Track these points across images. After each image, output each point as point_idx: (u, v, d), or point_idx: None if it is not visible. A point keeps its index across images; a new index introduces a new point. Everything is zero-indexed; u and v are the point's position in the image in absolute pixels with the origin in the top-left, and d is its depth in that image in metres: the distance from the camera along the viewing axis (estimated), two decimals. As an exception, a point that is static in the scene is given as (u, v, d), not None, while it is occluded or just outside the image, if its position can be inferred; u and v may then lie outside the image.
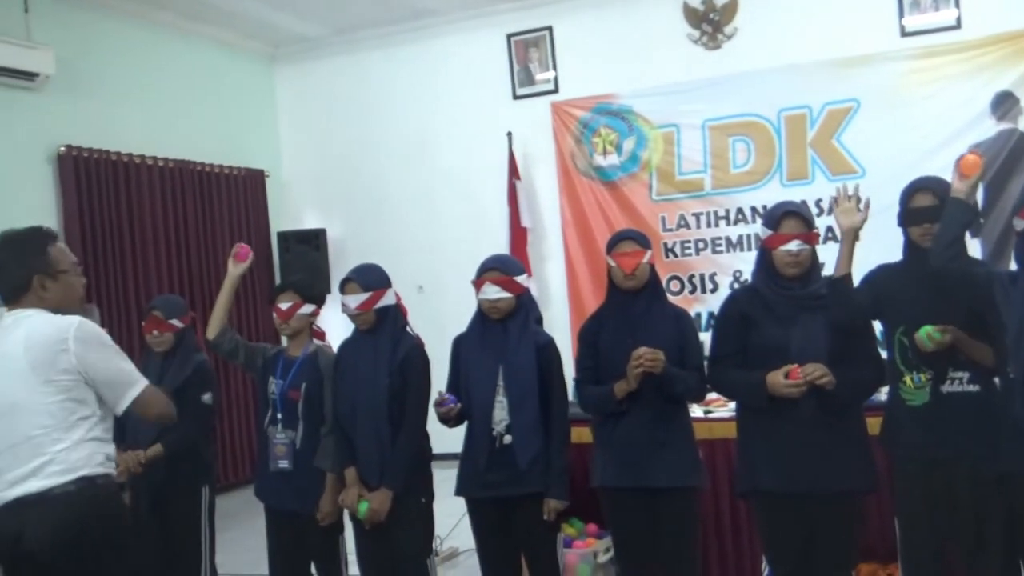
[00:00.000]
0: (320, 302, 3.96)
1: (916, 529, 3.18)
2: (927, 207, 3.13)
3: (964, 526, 3.09)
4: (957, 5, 7.01)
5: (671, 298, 7.39)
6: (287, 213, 8.98)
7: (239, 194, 8.42)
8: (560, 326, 7.35)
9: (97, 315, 3.07)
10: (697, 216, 7.60)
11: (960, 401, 3.08)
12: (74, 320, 2.78)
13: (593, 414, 3.61)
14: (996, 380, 3.13)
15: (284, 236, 8.63)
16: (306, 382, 3.80)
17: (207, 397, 4.03)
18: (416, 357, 3.63)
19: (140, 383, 2.84)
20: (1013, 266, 3.14)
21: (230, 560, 4.86)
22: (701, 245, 7.58)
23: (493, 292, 3.52)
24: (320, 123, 8.93)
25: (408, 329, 3.73)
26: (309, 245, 8.53)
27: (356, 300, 3.60)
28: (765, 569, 3.48)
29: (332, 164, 8.86)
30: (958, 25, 7.01)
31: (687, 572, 3.48)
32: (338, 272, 7.30)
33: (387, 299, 3.66)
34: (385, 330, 3.64)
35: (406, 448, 3.56)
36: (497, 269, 3.56)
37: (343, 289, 3.67)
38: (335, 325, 4.50)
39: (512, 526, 3.56)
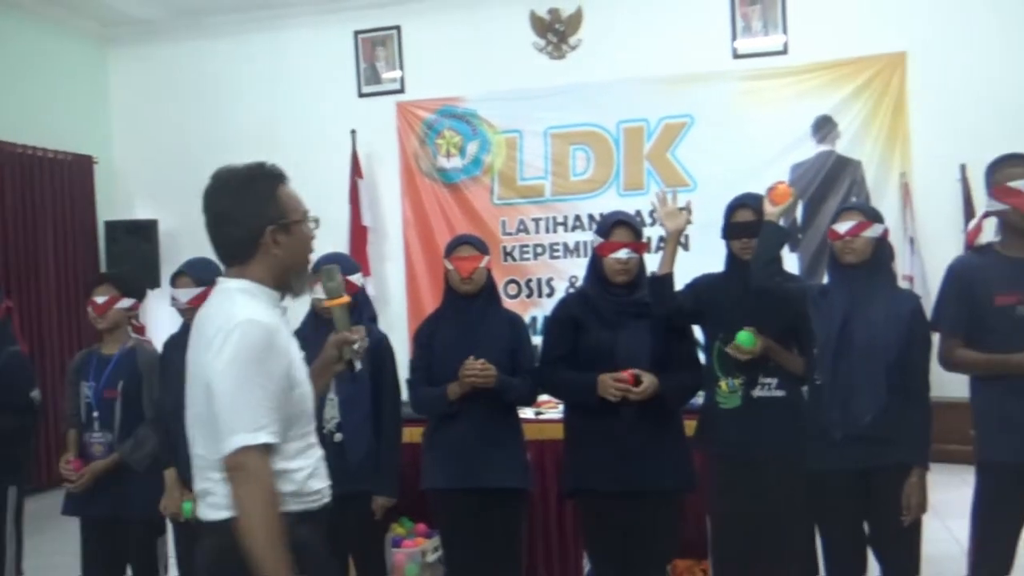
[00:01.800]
0: (140, 295, 3.82)
1: (727, 526, 3.35)
2: (747, 222, 3.31)
3: (770, 524, 3.28)
4: (785, 32, 7.42)
5: (508, 301, 7.55)
6: (117, 202, 8.60)
7: (63, 180, 8.00)
8: (398, 326, 7.35)
9: (338, 277, 2.51)
10: (536, 221, 7.75)
11: (769, 405, 3.28)
12: (239, 316, 2.10)
13: (425, 415, 3.63)
14: (804, 388, 3.35)
15: (112, 226, 8.26)
16: (123, 380, 3.66)
17: (36, 393, 3.82)
18: None
19: (260, 436, 2.05)
20: (826, 279, 3.37)
21: (40, 565, 4.61)
22: (539, 250, 7.74)
23: (326, 291, 3.49)
24: (157, 109, 8.60)
25: (238, 325, 3.65)
26: (139, 236, 8.20)
27: (188, 294, 3.50)
28: (586, 566, 3.59)
29: (168, 153, 8.53)
30: (785, 51, 7.43)
31: (513, 572, 3.55)
32: (169, 266, 7.04)
33: None
34: (215, 326, 3.55)
35: (233, 447, 3.48)
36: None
37: (174, 282, 3.56)
38: (161, 319, 4.35)
39: (340, 524, 3.53)
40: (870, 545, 3.24)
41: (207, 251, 3.95)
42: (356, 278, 3.60)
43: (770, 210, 3.22)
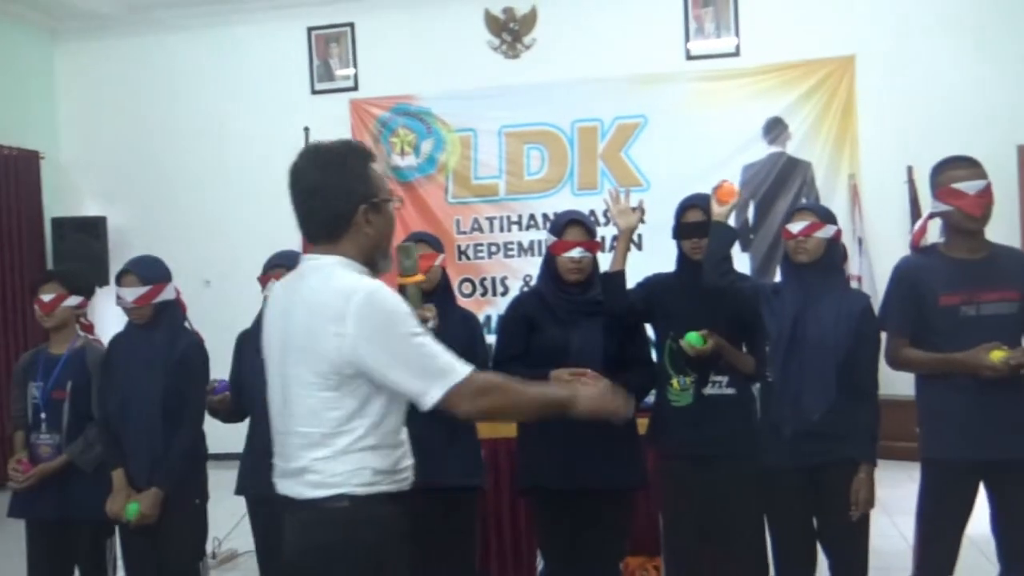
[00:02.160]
0: (88, 293, 3.76)
1: (679, 524, 3.38)
2: (697, 222, 3.33)
3: (722, 521, 3.31)
4: (737, 34, 7.51)
5: (462, 300, 7.53)
6: (64, 198, 8.44)
7: (9, 176, 7.83)
8: (352, 325, 7.31)
9: (415, 255, 2.55)
10: (491, 220, 7.77)
11: (719, 402, 3.31)
12: (359, 287, 2.11)
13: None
14: (755, 385, 3.39)
15: (59, 223, 8.12)
16: (71, 380, 3.59)
17: None
18: (195, 355, 3.52)
19: (457, 372, 2.12)
20: (778, 278, 3.41)
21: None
22: (494, 249, 7.75)
23: (279, 288, 3.48)
24: (106, 104, 8.46)
25: (187, 325, 3.62)
26: (88, 233, 8.06)
27: (133, 294, 3.46)
28: (540, 564, 3.60)
29: (118, 149, 8.41)
30: (737, 53, 7.51)
31: (466, 570, 3.55)
32: (119, 263, 6.94)
33: (167, 294, 3.54)
34: (162, 326, 3.51)
35: (181, 447, 3.44)
36: (284, 266, 3.52)
37: (120, 281, 3.51)
38: (111, 318, 4.29)
39: (275, 529, 3.51)
40: (819, 540, 3.29)
41: (157, 249, 3.94)
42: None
43: (717, 210, 3.26)
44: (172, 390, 3.44)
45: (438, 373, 2.11)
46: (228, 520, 4.52)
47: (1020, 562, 3.16)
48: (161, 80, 8.34)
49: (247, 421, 3.58)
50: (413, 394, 2.12)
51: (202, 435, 3.56)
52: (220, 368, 3.63)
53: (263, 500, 3.48)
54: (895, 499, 4.59)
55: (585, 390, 2.34)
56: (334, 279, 2.15)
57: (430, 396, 2.10)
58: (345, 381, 2.11)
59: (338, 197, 2.19)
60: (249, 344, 3.57)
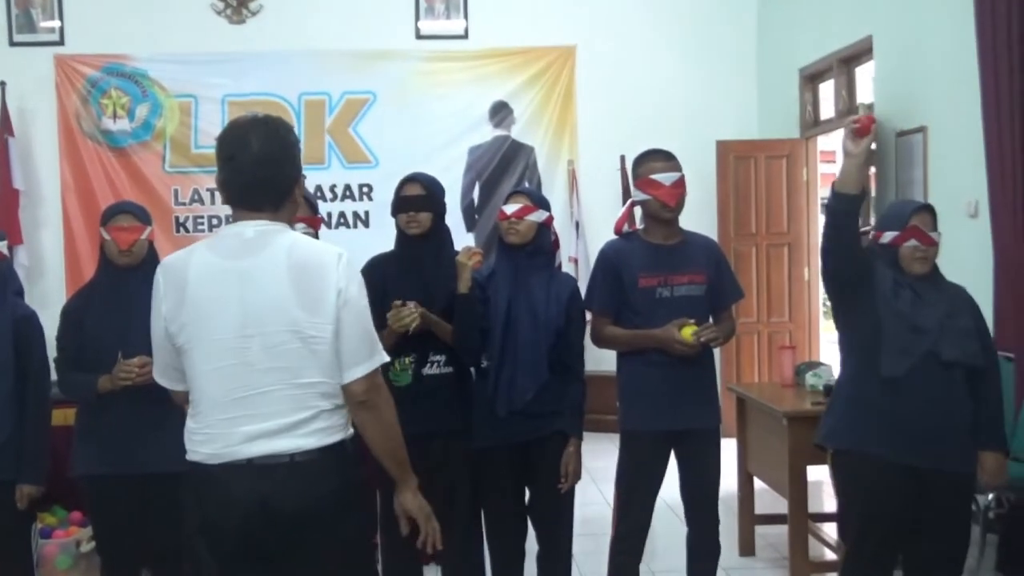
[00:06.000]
0: None
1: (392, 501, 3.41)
2: (414, 196, 3.35)
3: (437, 499, 3.37)
4: (466, 17, 7.65)
5: (180, 274, 7.16)
6: None
7: None
8: (55, 299, 6.77)
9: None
10: (212, 191, 7.44)
11: (437, 381, 3.34)
12: (337, 249, 2.26)
13: (73, 400, 3.39)
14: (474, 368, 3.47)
15: None
16: None
17: None
18: None
19: (380, 358, 2.29)
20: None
21: None
22: (215, 221, 7.47)
23: (-42, 259, 3.18)
24: None
25: None
26: None
27: None
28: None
29: None
30: (466, 36, 7.66)
31: (174, 556, 3.41)
32: None
33: None
34: None
35: None
36: (-32, 235, 3.22)
37: None
38: None
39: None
40: (528, 512, 3.44)
41: None
42: (1, 246, 3.30)
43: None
44: None
45: (375, 349, 2.27)
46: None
47: (703, 520, 3.46)
48: None
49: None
50: (350, 361, 2.22)
51: None
52: None
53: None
54: (601, 468, 4.89)
55: None
56: (309, 241, 2.34)
57: (362, 367, 2.23)
58: (335, 333, 2.21)
59: (291, 168, 2.31)
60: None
